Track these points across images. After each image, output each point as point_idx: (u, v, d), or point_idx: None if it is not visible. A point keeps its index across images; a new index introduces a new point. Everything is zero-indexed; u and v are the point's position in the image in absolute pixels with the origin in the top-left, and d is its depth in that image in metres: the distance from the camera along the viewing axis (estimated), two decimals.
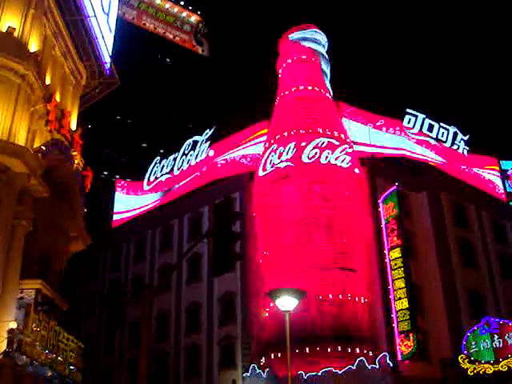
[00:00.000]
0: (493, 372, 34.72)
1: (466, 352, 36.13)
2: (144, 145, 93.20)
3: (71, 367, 25.78)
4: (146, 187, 52.54)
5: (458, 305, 41.25)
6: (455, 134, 47.55)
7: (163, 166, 51.69)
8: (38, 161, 24.31)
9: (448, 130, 47.29)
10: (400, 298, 36.70)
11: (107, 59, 33.35)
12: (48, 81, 28.25)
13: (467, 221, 45.84)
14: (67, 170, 27.85)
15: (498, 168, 49.06)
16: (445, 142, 46.96)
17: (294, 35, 46.26)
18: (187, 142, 50.25)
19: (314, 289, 35.75)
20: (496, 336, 35.67)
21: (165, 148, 62.31)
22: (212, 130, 48.56)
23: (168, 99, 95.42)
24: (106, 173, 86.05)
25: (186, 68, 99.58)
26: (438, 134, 46.71)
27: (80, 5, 29.80)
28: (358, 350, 35.63)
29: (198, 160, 48.63)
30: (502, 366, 34.55)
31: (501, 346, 35.33)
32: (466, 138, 47.92)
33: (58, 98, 28.63)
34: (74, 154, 29.15)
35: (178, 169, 50.08)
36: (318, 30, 46.72)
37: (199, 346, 42.94)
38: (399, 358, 35.72)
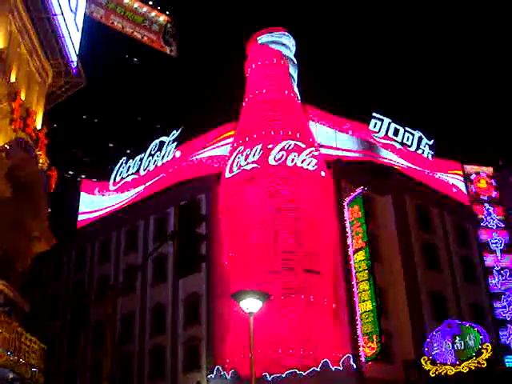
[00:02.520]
0: (454, 373, 35.20)
1: (428, 353, 36.58)
2: (110, 145, 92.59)
3: (33, 369, 25.42)
4: (111, 187, 52.14)
5: (421, 307, 41.77)
6: (420, 139, 48.12)
7: (129, 166, 51.34)
8: (1, 160, 23.98)
9: (413, 134, 47.85)
10: (364, 300, 37.01)
11: (74, 58, 32.99)
12: (13, 78, 27.89)
13: (431, 224, 46.46)
14: (31, 169, 27.51)
15: (461, 172, 49.78)
16: (410, 146, 47.51)
17: (263, 38, 46.41)
18: (154, 142, 50.01)
19: (278, 291, 35.92)
20: (457, 338, 36.16)
21: (131, 148, 62.05)
22: (179, 131, 48.38)
23: (135, 99, 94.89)
24: (71, 172, 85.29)
25: (153, 68, 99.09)
26: (403, 139, 47.23)
27: (47, 2, 29.44)
28: (321, 352, 35.82)
29: (164, 161, 48.44)
30: (463, 368, 35.04)
31: (462, 347, 35.82)
32: (430, 142, 48.53)
33: (23, 96, 28.28)
34: (39, 153, 28.81)
35: (145, 169, 49.81)
36: (286, 33, 46.91)
37: (164, 348, 42.75)
38: (363, 359, 36.02)
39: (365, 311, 36.80)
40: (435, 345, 36.74)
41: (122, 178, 51.48)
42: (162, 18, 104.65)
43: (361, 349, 36.28)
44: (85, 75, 34.52)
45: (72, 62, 33.07)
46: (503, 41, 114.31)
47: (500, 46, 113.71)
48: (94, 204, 53.03)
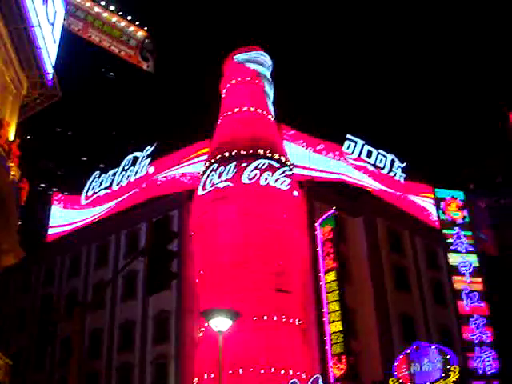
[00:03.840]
0: None
1: (396, 375, 36.66)
2: (84, 158, 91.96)
3: None
4: (83, 202, 51.69)
5: (390, 328, 41.99)
6: (393, 161, 48.52)
7: (102, 180, 51.00)
8: None
9: (386, 157, 48.24)
10: (334, 321, 37.08)
11: (50, 70, 32.75)
12: None
13: (401, 246, 46.87)
14: (2, 181, 27.20)
15: (432, 196, 50.20)
16: (382, 168, 47.88)
17: (239, 56, 46.68)
18: (127, 157, 49.78)
19: (248, 310, 35.81)
20: (425, 360, 36.33)
21: (104, 163, 61.68)
22: (153, 147, 48.24)
23: (110, 114, 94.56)
24: (43, 185, 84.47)
25: (129, 83, 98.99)
26: (376, 161, 47.58)
27: (24, 13, 29.24)
28: (291, 372, 35.76)
29: (137, 176, 48.20)
30: None
31: (430, 369, 35.98)
32: (402, 165, 48.95)
33: None
34: (11, 164, 28.48)
35: (117, 184, 49.50)
36: (263, 53, 47.26)
37: (132, 365, 42.28)
38: (331, 380, 35.97)
39: (334, 332, 36.84)
40: (403, 366, 36.86)
41: (95, 193, 51.10)
42: (140, 34, 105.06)
43: (330, 369, 36.25)
44: (60, 88, 34.30)
45: (48, 73, 32.83)
46: (474, 65, 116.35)
47: (471, 69, 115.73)
48: (65, 218, 52.48)
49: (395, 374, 36.78)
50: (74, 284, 48.17)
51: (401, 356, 37.29)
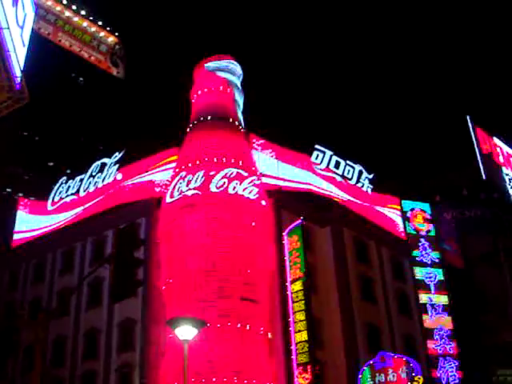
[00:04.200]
0: None
1: None
2: (51, 163, 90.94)
3: None
4: (49, 207, 51.12)
5: (356, 338, 42.27)
6: (360, 172, 48.92)
7: (69, 186, 50.49)
8: None
9: (354, 167, 48.62)
10: (300, 331, 37.15)
11: (18, 73, 32.40)
12: None
13: (368, 257, 47.28)
14: None
15: (399, 207, 50.71)
16: (350, 179, 48.24)
17: (210, 64, 46.67)
18: (95, 163, 49.37)
19: (214, 318, 35.72)
20: (390, 370, 36.59)
21: (72, 168, 61.09)
22: (121, 154, 47.94)
23: (78, 119, 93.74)
24: (8, 190, 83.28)
25: (99, 89, 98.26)
26: (344, 171, 47.93)
27: None
28: (255, 382, 35.69)
29: (105, 183, 47.84)
30: None
31: (395, 379, 36.24)
32: (370, 176, 49.38)
33: None
34: None
35: (85, 190, 49.04)
36: (233, 61, 47.33)
37: (96, 373, 41.84)
38: None
39: (300, 341, 36.91)
40: (368, 377, 37.07)
41: (61, 198, 50.57)
42: (111, 39, 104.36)
43: (295, 379, 36.28)
44: (28, 91, 33.96)
45: (16, 77, 32.47)
46: (439, 76, 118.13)
47: (437, 81, 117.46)
48: (30, 223, 51.84)
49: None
50: (38, 290, 47.57)
51: (366, 366, 37.54)
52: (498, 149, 55.79)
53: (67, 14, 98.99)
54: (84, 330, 43.95)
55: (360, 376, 37.32)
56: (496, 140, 55.85)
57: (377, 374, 36.79)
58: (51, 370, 41.72)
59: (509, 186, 54.33)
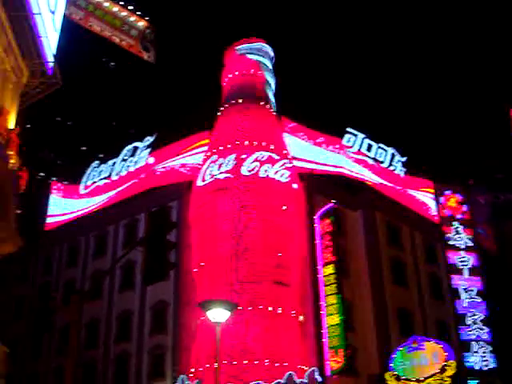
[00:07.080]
0: None
1: (392, 369, 36.73)
2: (83, 148, 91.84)
3: None
4: (82, 191, 51.56)
5: (388, 322, 42.05)
6: (393, 156, 48.35)
7: (101, 170, 50.81)
8: None
9: (386, 150, 48.07)
10: (331, 314, 37.13)
11: (50, 59, 32.61)
12: None
13: (400, 241, 46.87)
14: (1, 169, 27.11)
15: (432, 191, 50.12)
16: (382, 162, 47.71)
17: (241, 47, 46.47)
18: (127, 147, 49.55)
19: (246, 301, 35.86)
20: (422, 354, 36.40)
21: (104, 153, 61.50)
22: (153, 138, 48.02)
23: (110, 103, 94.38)
24: (42, 174, 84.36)
25: (130, 73, 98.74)
26: (376, 155, 47.40)
27: (25, 1, 29.14)
28: (286, 365, 35.77)
29: (137, 166, 48.03)
30: None
31: (427, 364, 36.06)
32: (403, 159, 48.77)
33: None
34: (10, 153, 28.40)
35: (117, 174, 49.33)
36: (264, 44, 47.07)
37: (129, 355, 42.37)
38: (328, 373, 36.06)
39: (331, 325, 36.90)
40: (400, 360, 36.92)
41: (94, 182, 50.95)
42: (142, 24, 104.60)
43: (326, 362, 36.32)
44: (61, 76, 34.19)
45: (48, 62, 32.70)
46: (475, 61, 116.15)
47: (472, 65, 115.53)
48: (63, 207, 52.37)
49: (392, 368, 36.88)
50: (71, 273, 48.19)
51: (398, 350, 37.39)
52: None
53: None
54: (117, 312, 44.44)
55: (392, 359, 37.17)
56: None
57: (408, 358, 36.62)
58: (85, 351, 42.39)
59: None
